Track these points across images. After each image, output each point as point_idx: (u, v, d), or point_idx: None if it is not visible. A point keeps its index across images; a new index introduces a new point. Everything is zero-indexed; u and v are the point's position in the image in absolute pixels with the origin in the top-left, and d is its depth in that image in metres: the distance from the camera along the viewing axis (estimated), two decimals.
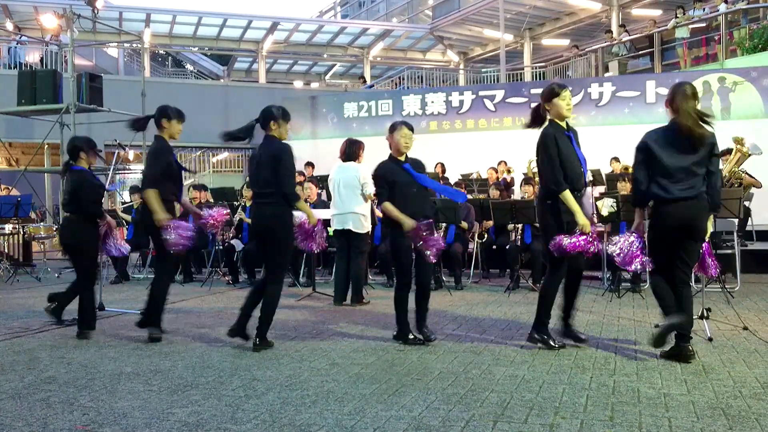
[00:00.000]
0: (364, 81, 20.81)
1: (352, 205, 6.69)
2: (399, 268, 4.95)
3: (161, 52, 27.44)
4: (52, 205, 17.66)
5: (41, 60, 16.64)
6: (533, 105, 4.78)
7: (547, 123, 4.57)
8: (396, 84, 19.67)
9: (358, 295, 6.86)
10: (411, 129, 4.91)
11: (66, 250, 5.68)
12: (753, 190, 9.08)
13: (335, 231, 6.86)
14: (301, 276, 8.70)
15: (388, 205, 4.77)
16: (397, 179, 4.78)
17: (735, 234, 7.64)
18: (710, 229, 4.35)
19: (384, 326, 5.47)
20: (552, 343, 4.55)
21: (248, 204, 9.20)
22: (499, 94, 12.76)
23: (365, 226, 6.83)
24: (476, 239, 8.88)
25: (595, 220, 8.64)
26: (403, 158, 4.87)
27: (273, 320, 5.02)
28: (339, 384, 3.78)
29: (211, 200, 10.00)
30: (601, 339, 4.91)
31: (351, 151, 6.82)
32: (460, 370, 4.06)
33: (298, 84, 25.28)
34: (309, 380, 3.87)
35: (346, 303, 6.88)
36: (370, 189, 6.66)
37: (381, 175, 4.87)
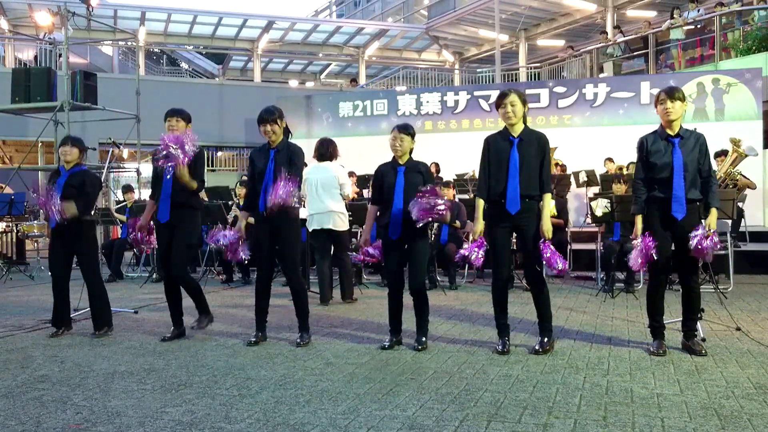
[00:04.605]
0: (355, 82, 20.85)
1: (330, 204, 6.68)
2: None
3: (156, 50, 27.37)
4: None
5: (35, 58, 16.57)
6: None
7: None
8: (388, 85, 19.67)
9: (349, 292, 6.87)
10: (405, 131, 4.75)
11: None
12: (746, 191, 9.13)
13: (314, 230, 6.85)
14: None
15: (369, 209, 5.00)
16: (385, 181, 4.79)
17: (728, 235, 7.67)
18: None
19: (378, 326, 5.47)
20: None
21: (242, 203, 9.17)
22: (494, 94, 12.69)
23: (345, 224, 6.85)
24: (470, 239, 8.87)
25: (589, 220, 8.68)
26: (401, 161, 4.78)
27: (268, 319, 5.05)
28: (333, 383, 3.78)
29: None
30: (594, 339, 4.93)
31: (325, 151, 6.83)
32: (454, 369, 4.07)
33: (293, 83, 25.27)
34: (303, 379, 3.87)
35: (335, 301, 6.88)
36: (348, 190, 6.82)
37: (374, 176, 4.91)
